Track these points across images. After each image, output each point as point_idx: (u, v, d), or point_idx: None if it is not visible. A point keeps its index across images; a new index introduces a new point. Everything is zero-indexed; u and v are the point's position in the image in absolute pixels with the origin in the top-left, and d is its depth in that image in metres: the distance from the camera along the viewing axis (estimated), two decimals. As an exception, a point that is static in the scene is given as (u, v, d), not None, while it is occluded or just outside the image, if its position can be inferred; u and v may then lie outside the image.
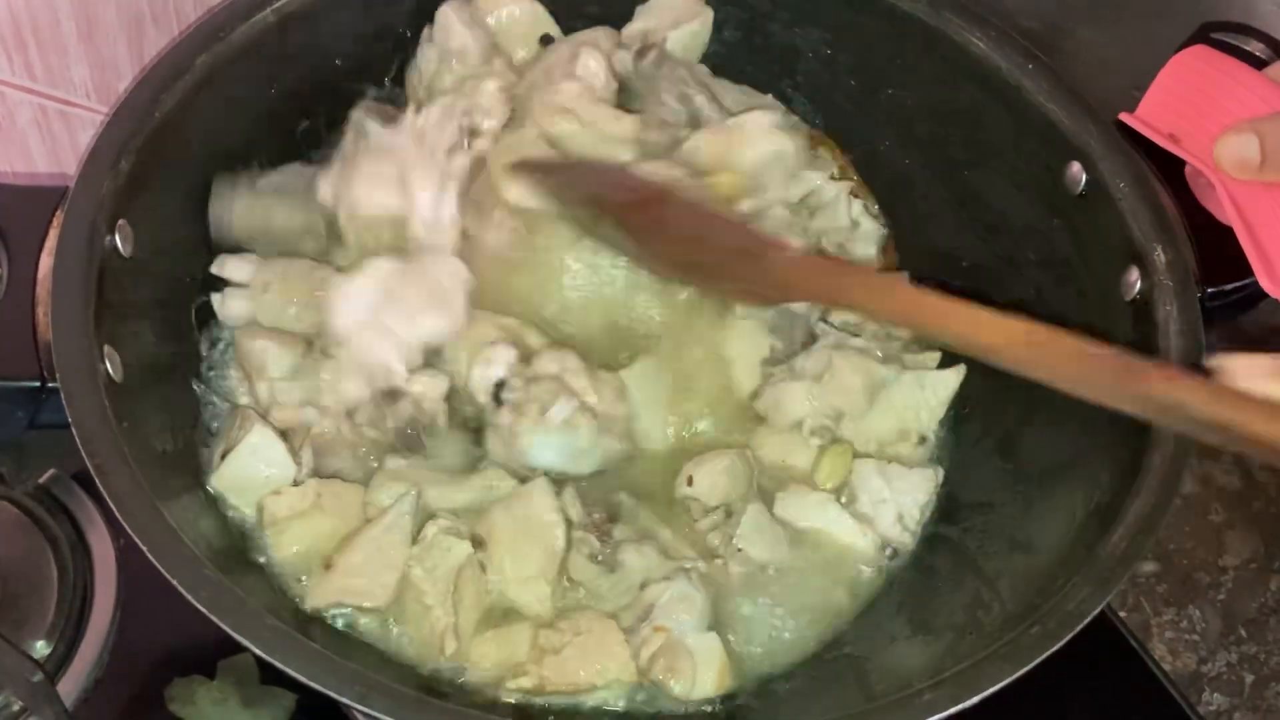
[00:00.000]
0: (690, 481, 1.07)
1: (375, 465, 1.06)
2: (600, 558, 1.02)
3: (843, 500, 1.10)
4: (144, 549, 0.82)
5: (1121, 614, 1.27)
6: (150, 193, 1.01)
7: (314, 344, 1.08)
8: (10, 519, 1.16)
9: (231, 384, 1.10)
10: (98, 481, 0.84)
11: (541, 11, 1.23)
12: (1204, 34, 1.42)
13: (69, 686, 1.09)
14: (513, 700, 0.96)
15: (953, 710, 0.80)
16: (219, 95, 1.08)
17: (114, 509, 0.83)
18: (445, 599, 0.99)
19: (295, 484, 1.02)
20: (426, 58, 1.20)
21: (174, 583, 0.80)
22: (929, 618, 1.03)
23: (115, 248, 0.96)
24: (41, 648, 1.11)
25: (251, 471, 1.02)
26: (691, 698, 0.98)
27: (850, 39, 1.25)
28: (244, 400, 1.08)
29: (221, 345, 1.12)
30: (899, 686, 0.88)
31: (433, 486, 1.04)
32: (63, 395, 0.87)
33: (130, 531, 0.82)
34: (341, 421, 1.06)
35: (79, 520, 1.18)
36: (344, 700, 0.77)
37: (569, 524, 1.02)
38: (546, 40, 1.23)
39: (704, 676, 0.97)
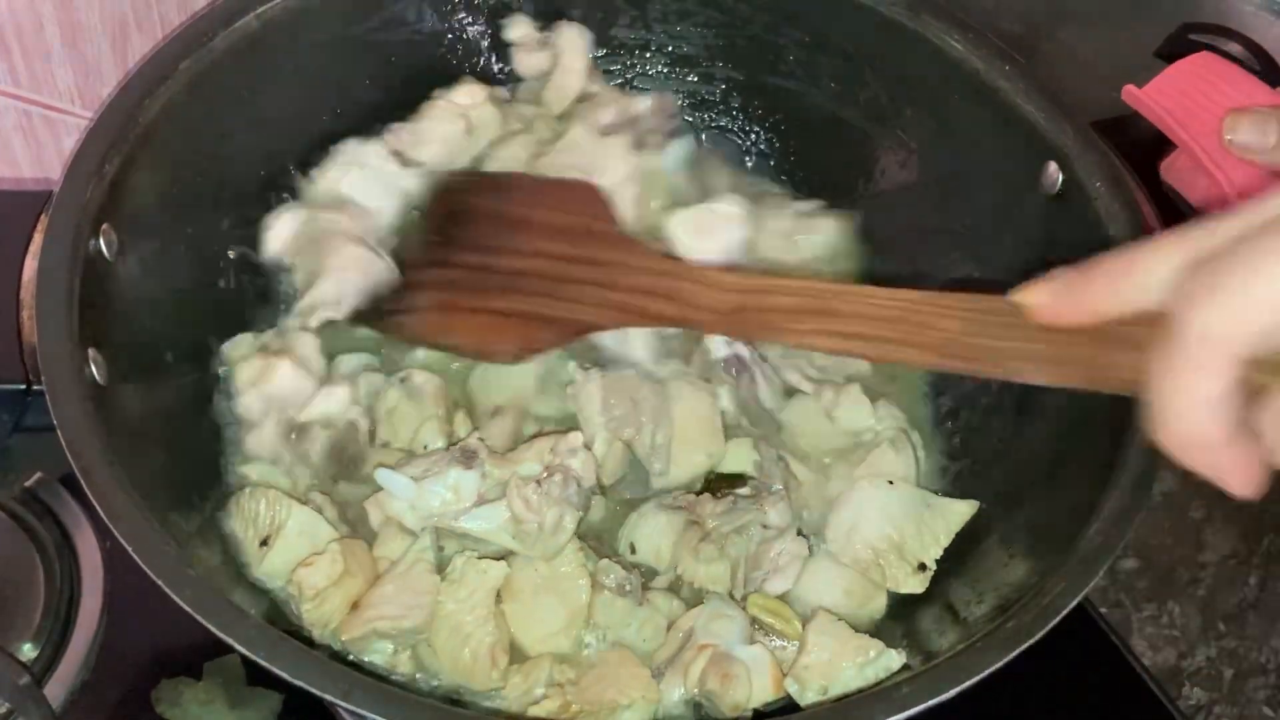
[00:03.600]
0: (632, 549, 1.05)
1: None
2: (629, 587, 1.00)
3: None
4: (130, 550, 0.82)
5: (1102, 610, 1.27)
6: (134, 197, 1.02)
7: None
8: (-3, 522, 1.17)
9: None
10: (84, 485, 0.84)
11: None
12: (1182, 35, 1.42)
13: (56, 689, 1.10)
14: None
15: (930, 704, 0.80)
16: (202, 101, 1.09)
17: (100, 512, 0.84)
18: (486, 621, 0.97)
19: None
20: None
21: (159, 583, 0.81)
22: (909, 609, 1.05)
23: (100, 252, 0.97)
24: (28, 650, 1.11)
25: (298, 553, 1.00)
26: (750, 705, 0.96)
27: (830, 41, 1.26)
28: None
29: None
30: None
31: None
32: (48, 399, 0.88)
33: (116, 534, 0.83)
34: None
35: (65, 524, 1.19)
36: (328, 698, 0.78)
37: (591, 575, 1.00)
38: None
39: (759, 682, 0.96)
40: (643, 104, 1.27)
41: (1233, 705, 1.28)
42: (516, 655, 0.99)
